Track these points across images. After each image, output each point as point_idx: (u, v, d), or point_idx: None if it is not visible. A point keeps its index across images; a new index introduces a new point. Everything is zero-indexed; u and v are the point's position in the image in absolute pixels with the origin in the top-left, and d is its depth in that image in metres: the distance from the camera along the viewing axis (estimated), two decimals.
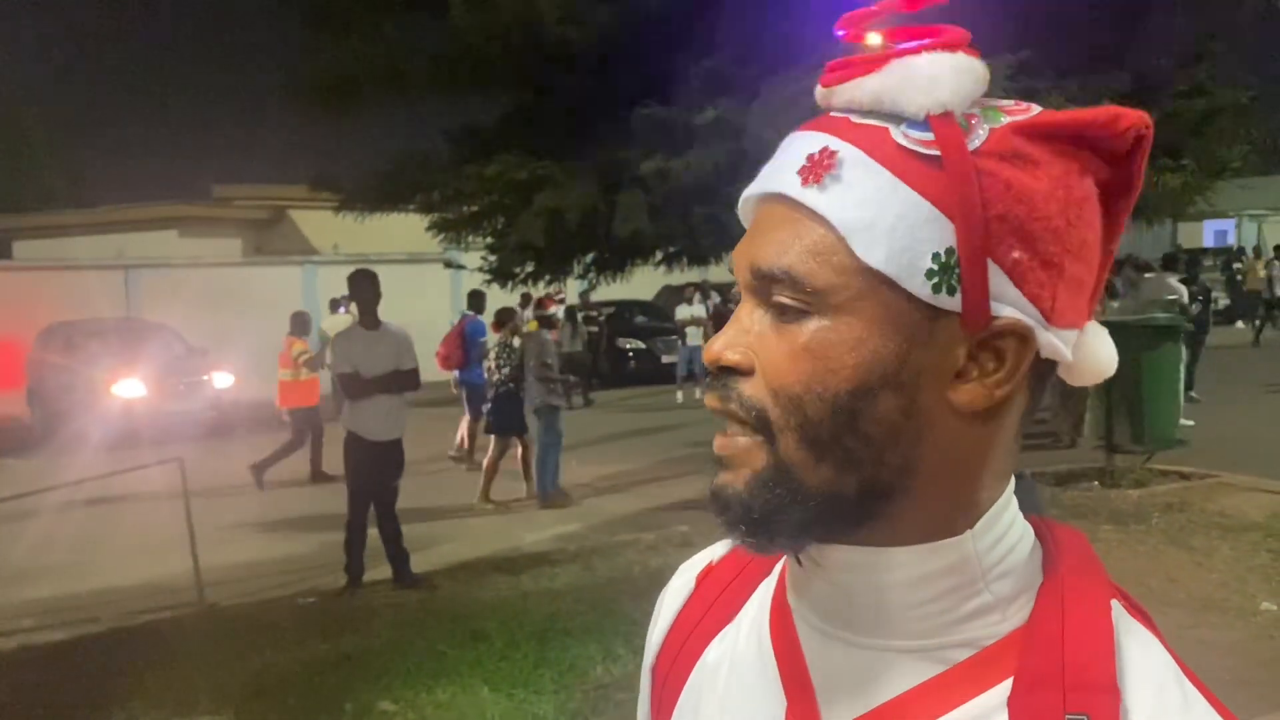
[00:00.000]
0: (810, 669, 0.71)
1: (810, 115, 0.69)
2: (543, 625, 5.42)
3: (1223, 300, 21.88)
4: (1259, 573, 6.00)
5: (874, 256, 0.62)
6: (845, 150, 0.64)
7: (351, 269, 7.07)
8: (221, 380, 15.81)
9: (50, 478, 9.67)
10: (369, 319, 6.78)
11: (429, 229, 6.90)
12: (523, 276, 7.13)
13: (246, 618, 6.25)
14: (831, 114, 0.67)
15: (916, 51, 0.65)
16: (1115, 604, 0.67)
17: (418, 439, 7.55)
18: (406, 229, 8.98)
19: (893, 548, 0.66)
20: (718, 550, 0.85)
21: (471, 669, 4.92)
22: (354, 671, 5.06)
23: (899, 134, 0.63)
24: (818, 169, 0.64)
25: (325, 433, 10.61)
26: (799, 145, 0.66)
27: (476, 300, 11.21)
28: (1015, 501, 0.70)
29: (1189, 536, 6.75)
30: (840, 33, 0.68)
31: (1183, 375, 9.89)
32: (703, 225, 5.36)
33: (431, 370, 9.78)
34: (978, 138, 0.63)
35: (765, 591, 0.78)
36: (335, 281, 17.75)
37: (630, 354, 19.41)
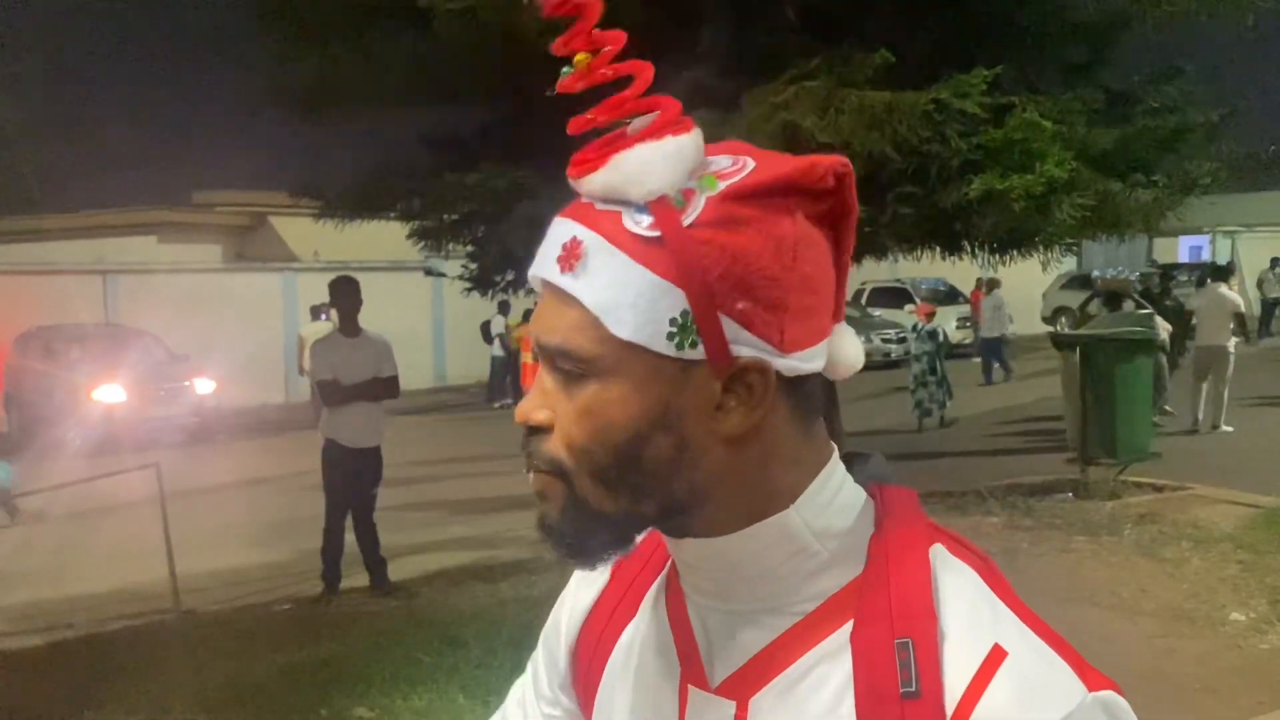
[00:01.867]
0: (698, 637, 0.83)
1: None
2: (520, 633, 5.42)
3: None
4: (1229, 583, 6.07)
5: (623, 331, 0.73)
6: (590, 239, 0.75)
7: (332, 276, 7.07)
8: (203, 386, 15.75)
9: (27, 484, 9.61)
10: (349, 326, 6.78)
11: (410, 237, 6.91)
12: (503, 285, 7.14)
13: (223, 624, 6.23)
14: (582, 199, 0.78)
15: (630, 145, 0.75)
16: (937, 547, 0.79)
17: (396, 446, 7.55)
18: (387, 236, 8.99)
19: (719, 537, 0.78)
20: None
21: (448, 676, 4.92)
22: (330, 678, 5.04)
23: (629, 220, 0.74)
24: (570, 258, 0.75)
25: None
26: (557, 233, 0.77)
27: None
28: (839, 475, 0.81)
29: (1160, 547, 6.82)
30: (572, 133, 0.78)
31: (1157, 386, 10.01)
32: None
33: (410, 378, 9.79)
34: (693, 211, 0.73)
35: (664, 577, 0.89)
36: (315, 288, 17.69)
37: None
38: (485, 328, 18.78)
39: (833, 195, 0.78)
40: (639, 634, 0.89)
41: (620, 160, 0.75)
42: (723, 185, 0.74)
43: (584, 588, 0.96)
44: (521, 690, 1.03)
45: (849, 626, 0.76)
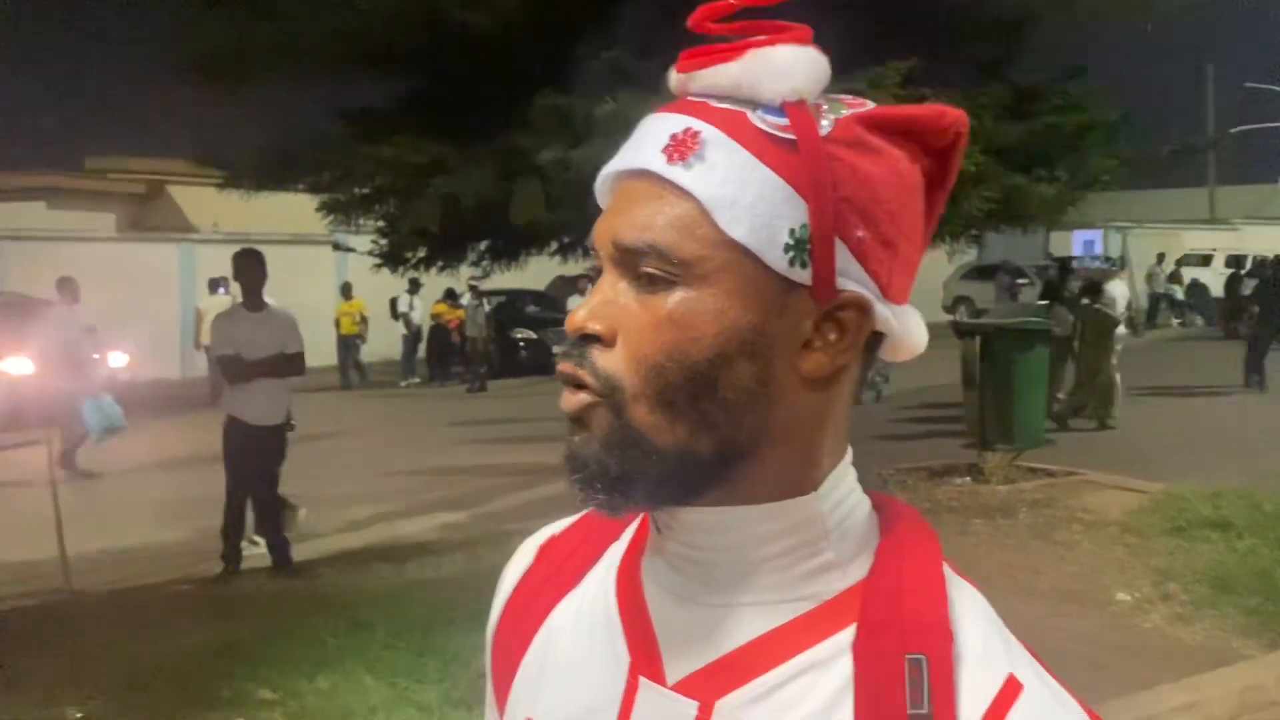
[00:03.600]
0: (655, 626, 0.74)
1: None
2: (427, 614, 5.37)
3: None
4: (1115, 565, 6.35)
5: (737, 230, 0.67)
6: (708, 131, 0.68)
7: (232, 248, 6.89)
8: (116, 360, 15.03)
9: None
10: (254, 300, 6.61)
11: (319, 210, 6.74)
12: (415, 262, 7.04)
13: (117, 605, 6.04)
14: (689, 98, 0.71)
15: (772, 43, 0.70)
16: (946, 565, 0.73)
17: (300, 424, 7.40)
18: (290, 209, 8.79)
19: (743, 506, 0.71)
20: (559, 525, 0.88)
21: (354, 658, 4.85)
22: (231, 660, 4.93)
23: (757, 118, 0.68)
24: (682, 148, 0.68)
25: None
26: (660, 125, 0.71)
27: None
28: (853, 472, 0.75)
29: (1052, 531, 7.09)
30: (692, 24, 0.72)
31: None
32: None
33: (314, 355, 9.58)
34: (826, 125, 0.69)
35: (612, 557, 0.81)
36: (214, 260, 17.19)
37: (522, 344, 19.35)
38: (393, 304, 18.50)
39: (944, 155, 0.72)
40: (580, 615, 0.80)
41: (762, 54, 0.69)
42: (848, 111, 0.70)
43: (511, 572, 0.89)
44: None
45: (848, 633, 0.69)
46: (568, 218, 5.68)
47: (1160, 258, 26.68)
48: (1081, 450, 9.91)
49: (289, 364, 6.62)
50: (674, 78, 0.73)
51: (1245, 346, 15.12)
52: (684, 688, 0.72)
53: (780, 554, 0.71)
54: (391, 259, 6.93)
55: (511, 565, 0.89)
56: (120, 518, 8.17)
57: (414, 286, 16.87)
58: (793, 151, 0.68)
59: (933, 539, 0.74)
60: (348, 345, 18.00)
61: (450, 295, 18.20)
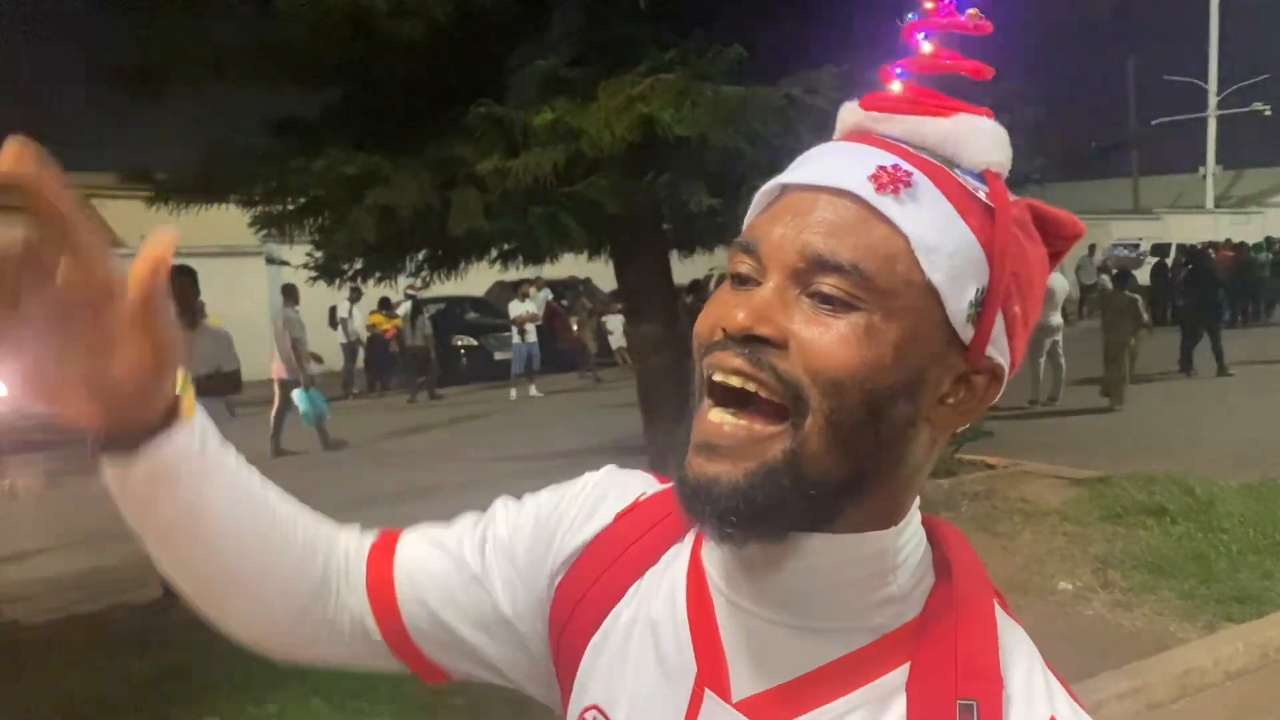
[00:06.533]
0: (724, 640, 0.75)
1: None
2: None
3: None
4: (1056, 555, 6.46)
5: (936, 275, 0.68)
6: (918, 175, 0.69)
7: None
8: None
9: None
10: (187, 318, 6.47)
11: (252, 225, 6.61)
12: (351, 273, 6.93)
13: (52, 636, 5.87)
14: (875, 137, 0.73)
15: (979, 113, 0.73)
16: (995, 603, 0.76)
17: (239, 441, 7.25)
18: (220, 221, 8.57)
19: (827, 534, 0.71)
20: (645, 486, 0.88)
21: (302, 681, 4.75)
22: (175, 688, 4.82)
23: (961, 176, 0.71)
24: (894, 182, 0.68)
25: None
26: (861, 154, 0.71)
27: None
28: (919, 511, 0.77)
29: (995, 522, 7.19)
30: (908, 36, 0.76)
31: None
32: (540, 224, 5.35)
33: (248, 370, 9.36)
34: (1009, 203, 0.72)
35: (679, 556, 0.81)
36: None
37: (462, 351, 19.18)
38: (332, 313, 18.22)
39: (1058, 256, 0.77)
40: (648, 615, 0.80)
41: (972, 121, 0.72)
42: (1015, 197, 0.74)
43: (594, 517, 0.86)
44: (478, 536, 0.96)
45: (903, 671, 0.72)
46: (507, 226, 5.63)
47: (1091, 249, 27.26)
48: (1019, 441, 10.08)
49: (225, 382, 6.49)
50: (854, 112, 0.74)
51: (1180, 334, 15.53)
52: (747, 708, 0.73)
53: (854, 583, 0.72)
54: (328, 271, 6.82)
55: (608, 500, 0.87)
56: (52, 543, 7.95)
57: (354, 295, 16.63)
58: (987, 217, 0.69)
59: (983, 576, 0.76)
60: None
61: (385, 305, 17.98)
